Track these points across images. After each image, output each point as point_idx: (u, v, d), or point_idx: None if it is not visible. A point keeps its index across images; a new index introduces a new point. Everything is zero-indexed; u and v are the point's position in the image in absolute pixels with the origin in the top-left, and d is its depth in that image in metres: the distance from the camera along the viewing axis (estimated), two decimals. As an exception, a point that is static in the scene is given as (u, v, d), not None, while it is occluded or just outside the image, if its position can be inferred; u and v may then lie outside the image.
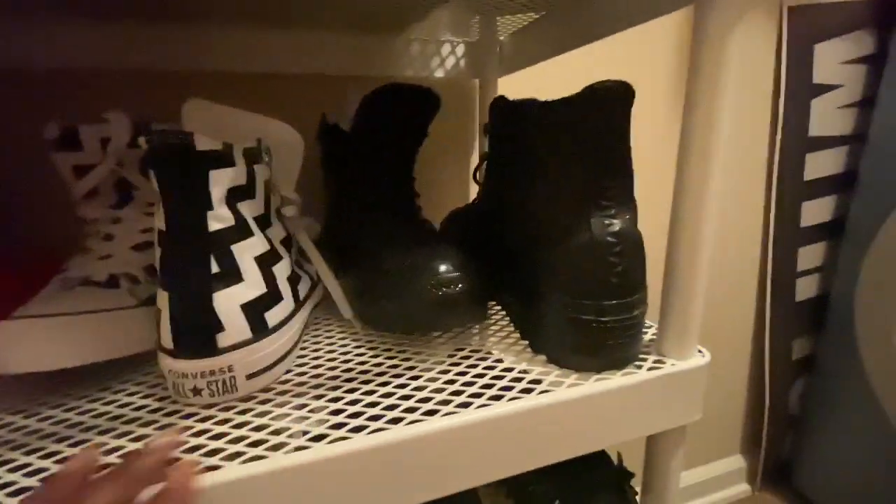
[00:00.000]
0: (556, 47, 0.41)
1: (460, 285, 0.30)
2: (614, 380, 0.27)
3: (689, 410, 0.30)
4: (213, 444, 0.22)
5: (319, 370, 0.30)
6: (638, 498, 0.35)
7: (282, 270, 0.30)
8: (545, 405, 0.25)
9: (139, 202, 0.37)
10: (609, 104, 0.25)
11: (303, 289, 0.34)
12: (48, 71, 0.43)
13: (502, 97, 0.34)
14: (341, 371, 0.30)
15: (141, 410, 0.26)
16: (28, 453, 0.22)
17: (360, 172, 0.40)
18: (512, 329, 0.35)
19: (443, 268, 0.30)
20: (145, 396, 0.27)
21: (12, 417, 0.25)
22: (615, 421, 0.28)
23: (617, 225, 0.26)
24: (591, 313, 0.27)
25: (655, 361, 0.29)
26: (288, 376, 0.29)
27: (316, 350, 0.33)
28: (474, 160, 0.60)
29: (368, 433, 0.23)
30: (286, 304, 0.29)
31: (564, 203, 0.27)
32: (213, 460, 0.21)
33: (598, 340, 0.27)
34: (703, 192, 0.25)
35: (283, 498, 0.21)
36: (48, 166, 0.36)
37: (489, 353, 0.32)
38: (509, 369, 0.29)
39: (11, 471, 0.20)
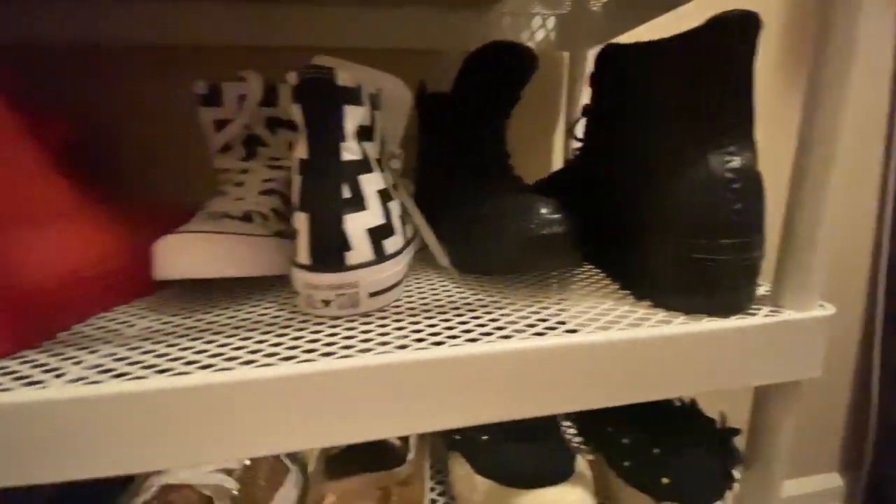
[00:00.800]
0: (649, 13, 0.41)
1: (561, 226, 0.31)
2: (728, 322, 0.27)
3: (807, 365, 0.28)
4: (343, 343, 0.25)
5: (423, 301, 0.32)
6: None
7: (395, 209, 0.33)
8: (655, 336, 0.25)
9: (262, 157, 0.42)
10: (735, 34, 0.25)
11: (408, 232, 0.37)
12: (192, 47, 0.50)
13: (614, 43, 0.35)
14: (442, 302, 0.31)
15: (277, 318, 0.29)
16: (184, 349, 0.25)
17: (459, 133, 0.42)
18: (609, 281, 0.35)
19: (544, 209, 0.31)
20: (280, 309, 0.30)
21: (171, 318, 0.30)
22: (726, 364, 0.27)
23: (737, 162, 0.26)
24: (705, 252, 0.26)
25: (772, 310, 0.28)
26: (398, 303, 0.31)
27: (418, 287, 0.35)
28: (558, 137, 0.60)
29: (474, 344, 0.24)
30: (398, 239, 0.32)
31: (680, 142, 0.27)
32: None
33: (711, 280, 0.27)
34: (833, 137, 0.25)
35: (407, 386, 0.23)
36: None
37: (588, 297, 0.32)
38: (612, 309, 0.29)
39: (172, 360, 0.24)
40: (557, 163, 0.61)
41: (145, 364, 0.23)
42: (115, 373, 0.22)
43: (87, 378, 0.21)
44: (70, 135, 0.31)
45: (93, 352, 0.24)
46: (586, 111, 0.39)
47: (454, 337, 0.25)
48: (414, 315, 0.29)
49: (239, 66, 0.51)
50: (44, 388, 0.20)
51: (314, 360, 0.22)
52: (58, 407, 0.20)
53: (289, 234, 0.38)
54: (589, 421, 0.38)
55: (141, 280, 0.32)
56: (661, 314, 0.28)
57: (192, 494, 0.27)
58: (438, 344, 0.24)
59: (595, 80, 0.38)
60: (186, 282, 0.34)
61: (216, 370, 0.22)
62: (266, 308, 0.31)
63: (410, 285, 0.36)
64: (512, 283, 0.36)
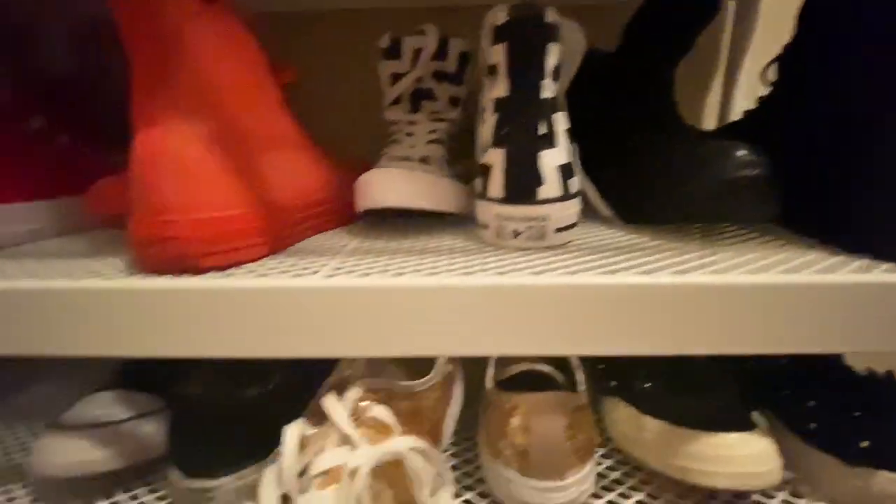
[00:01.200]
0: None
1: (761, 168, 0.29)
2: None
3: None
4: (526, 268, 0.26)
5: (599, 241, 0.32)
6: None
7: (575, 151, 0.33)
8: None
9: (425, 110, 0.45)
10: None
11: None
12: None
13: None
14: (618, 244, 0.32)
15: (464, 246, 0.32)
16: (388, 264, 0.29)
17: (630, 87, 0.41)
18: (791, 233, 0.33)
19: (741, 152, 0.29)
20: (465, 240, 0.33)
21: (373, 241, 0.34)
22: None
23: None
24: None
25: None
26: (574, 242, 0.32)
27: (585, 231, 0.36)
28: (716, 86, 0.56)
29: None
30: (577, 181, 0.32)
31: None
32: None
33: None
34: None
35: (589, 310, 0.24)
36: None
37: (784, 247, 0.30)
38: (821, 258, 0.27)
39: (381, 272, 0.27)
40: (709, 122, 0.57)
41: (362, 273, 0.26)
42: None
43: (338, 273, 0.25)
44: (293, 79, 0.37)
45: (323, 264, 0.29)
46: (788, 51, 0.36)
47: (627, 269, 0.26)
48: (592, 252, 0.30)
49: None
50: (311, 276, 0.25)
51: (506, 274, 0.24)
52: (321, 293, 0.24)
53: (454, 177, 0.41)
54: (756, 383, 0.36)
55: (344, 210, 0.37)
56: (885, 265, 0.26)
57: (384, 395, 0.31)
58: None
59: (804, 14, 0.34)
60: (378, 213, 0.38)
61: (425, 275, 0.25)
62: (452, 239, 0.34)
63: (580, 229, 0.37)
64: (681, 229, 0.35)
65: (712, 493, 0.31)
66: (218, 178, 0.26)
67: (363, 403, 0.27)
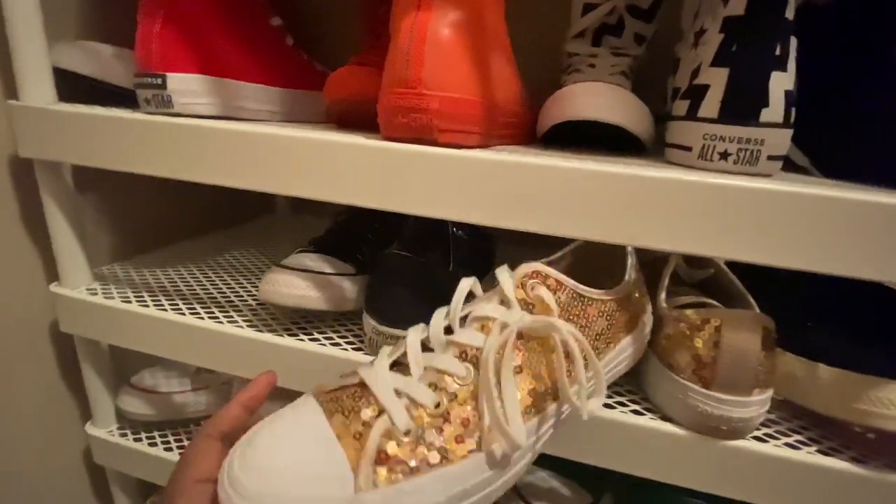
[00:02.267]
0: None
1: None
2: None
3: None
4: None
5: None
6: None
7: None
8: None
9: (606, 45, 0.45)
10: None
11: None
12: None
13: None
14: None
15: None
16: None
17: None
18: None
19: None
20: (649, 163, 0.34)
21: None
22: None
23: None
24: None
25: None
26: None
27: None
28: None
29: None
30: (794, 112, 0.31)
31: None
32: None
33: None
34: None
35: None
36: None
37: None
38: None
39: None
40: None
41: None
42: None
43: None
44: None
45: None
46: None
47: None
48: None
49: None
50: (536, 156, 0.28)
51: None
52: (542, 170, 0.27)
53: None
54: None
55: (528, 129, 0.39)
56: None
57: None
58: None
59: None
60: (563, 134, 0.40)
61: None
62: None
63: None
64: None
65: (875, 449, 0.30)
66: (464, 63, 0.30)
67: (532, 281, 0.29)
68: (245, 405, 0.28)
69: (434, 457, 0.23)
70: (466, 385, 0.25)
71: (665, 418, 0.32)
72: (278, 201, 0.78)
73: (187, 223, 0.63)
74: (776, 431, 0.32)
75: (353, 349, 0.37)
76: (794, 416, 0.34)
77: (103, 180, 0.52)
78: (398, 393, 0.24)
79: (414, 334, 0.28)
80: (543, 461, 0.42)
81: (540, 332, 0.27)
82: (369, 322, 0.35)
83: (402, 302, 0.34)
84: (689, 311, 0.30)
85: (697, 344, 0.29)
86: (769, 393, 0.30)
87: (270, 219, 0.77)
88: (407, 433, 0.23)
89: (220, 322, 0.40)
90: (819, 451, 0.30)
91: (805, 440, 0.32)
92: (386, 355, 0.27)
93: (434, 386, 0.25)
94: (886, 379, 0.28)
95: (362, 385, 0.25)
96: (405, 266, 0.34)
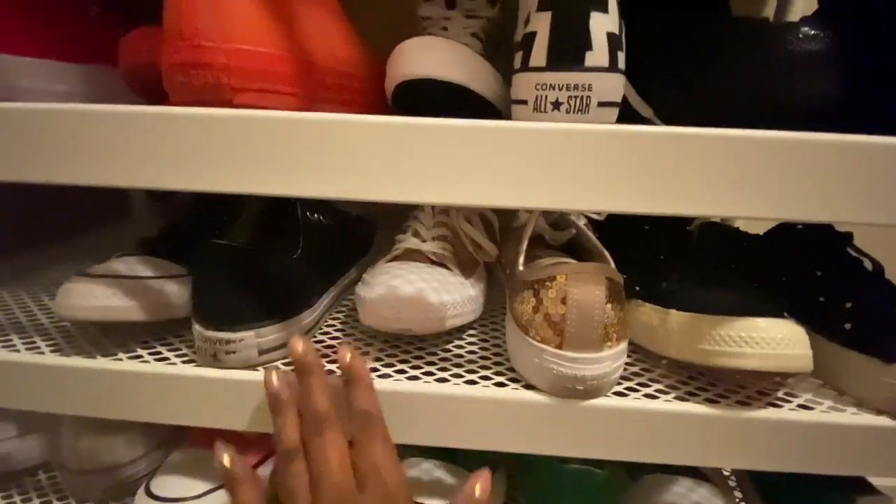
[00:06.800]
0: None
1: (824, 44, 0.27)
2: None
3: None
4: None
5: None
6: None
7: (623, 27, 0.31)
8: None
9: (461, 8, 0.43)
10: None
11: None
12: None
13: None
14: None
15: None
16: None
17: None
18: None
19: (804, 28, 0.27)
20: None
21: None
22: None
23: None
24: None
25: None
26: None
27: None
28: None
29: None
30: (623, 57, 0.31)
31: None
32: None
33: None
34: None
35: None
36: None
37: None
38: None
39: None
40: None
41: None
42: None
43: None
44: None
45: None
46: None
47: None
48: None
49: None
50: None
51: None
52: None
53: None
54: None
55: (374, 96, 0.36)
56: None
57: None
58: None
59: None
60: (411, 98, 0.37)
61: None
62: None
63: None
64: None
65: (739, 384, 0.31)
66: (254, 12, 0.25)
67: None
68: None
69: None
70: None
71: (528, 387, 0.30)
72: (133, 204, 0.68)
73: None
74: (638, 384, 0.32)
75: (185, 362, 0.32)
76: (657, 367, 0.34)
77: None
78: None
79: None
80: (428, 452, 0.39)
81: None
82: (194, 327, 0.30)
83: (230, 299, 0.29)
84: (535, 268, 0.29)
85: (546, 302, 0.28)
86: (622, 346, 0.29)
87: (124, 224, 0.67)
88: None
89: (17, 350, 0.33)
90: (677, 398, 0.30)
91: (664, 388, 0.32)
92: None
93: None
94: (730, 317, 0.28)
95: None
96: (229, 257, 0.29)
